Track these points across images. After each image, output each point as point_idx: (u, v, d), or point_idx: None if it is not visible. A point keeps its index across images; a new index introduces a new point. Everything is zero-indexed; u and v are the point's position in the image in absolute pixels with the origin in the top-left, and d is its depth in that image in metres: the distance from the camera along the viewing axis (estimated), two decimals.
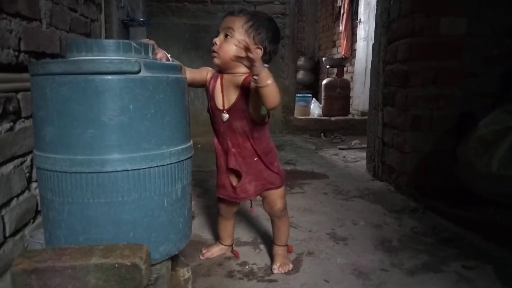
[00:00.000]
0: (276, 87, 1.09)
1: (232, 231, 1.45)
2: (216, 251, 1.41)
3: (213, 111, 1.25)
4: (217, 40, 1.18)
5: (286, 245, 1.37)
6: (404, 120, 2.14)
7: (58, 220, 0.82)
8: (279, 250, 1.34)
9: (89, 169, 0.79)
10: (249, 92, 1.17)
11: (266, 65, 1.10)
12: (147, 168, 0.83)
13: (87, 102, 0.78)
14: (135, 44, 0.87)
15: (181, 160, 0.91)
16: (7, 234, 1.21)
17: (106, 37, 2.47)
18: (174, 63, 0.94)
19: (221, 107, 1.22)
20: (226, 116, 1.20)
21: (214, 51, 1.18)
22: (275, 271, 1.29)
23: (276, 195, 1.30)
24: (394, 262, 1.38)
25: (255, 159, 1.24)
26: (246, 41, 1.06)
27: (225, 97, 1.21)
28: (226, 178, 1.26)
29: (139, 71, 0.81)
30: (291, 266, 1.32)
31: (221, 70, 1.23)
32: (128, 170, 0.81)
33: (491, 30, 2.24)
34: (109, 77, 0.78)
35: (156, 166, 0.85)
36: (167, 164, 0.87)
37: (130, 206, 0.83)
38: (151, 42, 0.95)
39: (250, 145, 1.22)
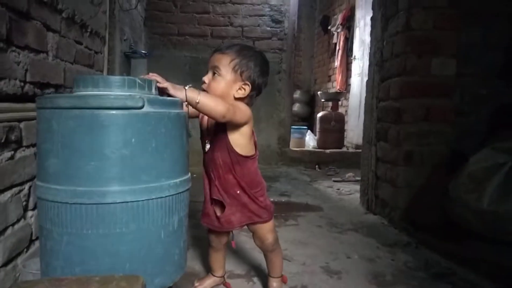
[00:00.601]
0: (209, 97, 1.06)
1: (224, 262, 1.45)
2: (208, 283, 1.41)
3: (201, 141, 1.26)
4: (206, 79, 1.19)
5: (281, 276, 1.37)
6: (397, 155, 2.19)
7: (56, 250, 0.84)
8: (273, 282, 1.35)
9: (89, 200, 0.81)
10: (225, 124, 1.16)
11: (188, 86, 1.05)
12: (146, 200, 0.86)
13: (92, 136, 0.81)
14: (139, 81, 0.92)
15: (179, 192, 0.93)
16: (0, 264, 1.21)
17: (109, 69, 2.54)
18: (175, 99, 0.98)
19: (205, 137, 1.24)
20: (207, 146, 1.22)
21: (204, 90, 1.18)
22: None
23: (265, 229, 1.28)
24: None
25: (238, 192, 1.22)
26: (154, 76, 1.01)
27: (209, 128, 1.22)
28: (211, 208, 1.26)
29: (142, 107, 0.85)
30: None
31: None
32: (127, 202, 0.83)
33: (481, 71, 2.34)
34: (114, 112, 0.82)
35: (155, 198, 0.87)
36: (166, 196, 0.89)
37: (128, 237, 0.84)
38: (154, 77, 0.99)
39: (232, 177, 1.21)
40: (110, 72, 2.60)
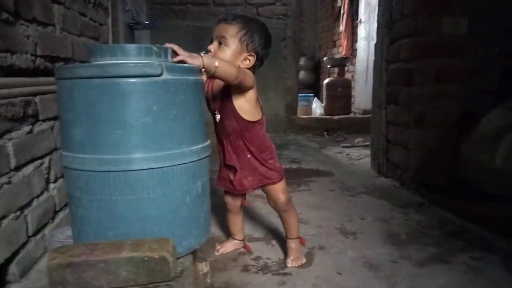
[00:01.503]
0: (224, 62, 1.09)
1: (242, 225, 1.49)
2: (229, 246, 1.46)
3: (211, 113, 1.29)
4: (212, 48, 1.20)
5: (299, 237, 1.41)
6: (408, 117, 2.18)
7: (87, 217, 0.87)
8: (292, 243, 1.38)
9: (116, 167, 0.83)
10: (231, 92, 1.21)
11: (202, 53, 1.08)
12: (170, 166, 0.87)
13: (114, 104, 0.82)
14: (155, 48, 0.91)
15: (201, 158, 0.95)
16: (30, 234, 1.25)
17: (114, 41, 2.51)
18: (192, 66, 0.97)
19: (213, 109, 1.27)
20: (218, 116, 1.26)
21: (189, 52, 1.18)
22: (289, 265, 1.33)
23: (277, 190, 1.32)
24: (403, 255, 1.42)
25: (248, 156, 1.27)
26: (171, 45, 0.99)
27: (216, 99, 1.26)
28: (226, 172, 1.32)
29: (161, 74, 0.85)
30: (304, 260, 1.36)
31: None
32: (153, 168, 0.85)
33: (493, 29, 2.28)
34: (134, 80, 0.82)
35: (179, 164, 0.89)
36: (189, 162, 0.91)
37: (155, 202, 0.87)
38: (171, 45, 0.98)
39: (242, 142, 1.26)
40: (115, 43, 2.58)
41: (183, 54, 0.99)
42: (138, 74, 0.83)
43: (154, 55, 0.91)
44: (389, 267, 1.33)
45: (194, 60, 1.00)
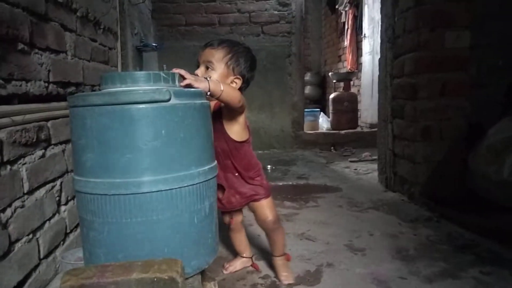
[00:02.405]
0: (228, 87, 1.17)
1: (247, 242, 1.51)
2: (238, 264, 1.47)
3: None
4: (199, 72, 1.25)
5: (284, 254, 1.42)
6: (414, 131, 2.19)
7: (99, 240, 0.89)
8: (278, 261, 1.40)
9: (126, 191, 0.86)
10: (221, 114, 1.26)
11: (208, 77, 1.15)
12: (178, 188, 0.90)
13: (124, 130, 0.85)
14: (163, 74, 0.95)
15: (208, 179, 0.97)
16: (42, 256, 1.28)
17: (123, 64, 2.58)
18: (199, 89, 1.01)
19: None
20: None
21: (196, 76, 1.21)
22: (285, 282, 1.35)
23: (264, 207, 1.34)
24: (412, 270, 1.42)
25: (236, 174, 1.32)
26: (178, 70, 1.02)
27: None
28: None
29: (169, 99, 0.88)
30: (293, 275, 1.39)
31: None
32: (161, 191, 0.88)
33: (497, 41, 2.30)
34: (143, 106, 0.86)
35: (187, 186, 0.91)
36: (196, 183, 0.93)
37: (164, 224, 0.89)
38: (178, 71, 1.02)
39: (230, 162, 1.30)
40: (124, 66, 2.64)
41: (190, 78, 1.03)
42: (147, 100, 0.87)
43: (162, 80, 0.95)
44: (398, 283, 1.33)
45: (201, 83, 1.04)
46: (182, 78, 1.02)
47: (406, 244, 1.66)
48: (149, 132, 0.86)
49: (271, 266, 1.44)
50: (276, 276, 1.39)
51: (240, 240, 1.48)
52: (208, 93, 1.06)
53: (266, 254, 1.56)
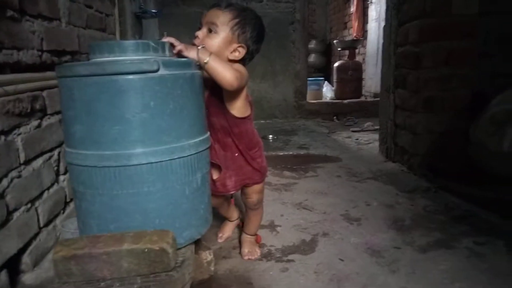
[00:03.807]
0: (218, 62, 1.03)
1: (233, 207, 1.52)
2: (228, 228, 1.51)
3: None
4: (200, 34, 1.13)
5: (255, 235, 1.41)
6: (416, 101, 2.15)
7: (91, 211, 0.90)
8: (247, 238, 1.39)
9: (116, 163, 0.86)
10: (220, 88, 1.10)
11: (201, 46, 1.05)
12: (169, 160, 0.89)
13: (112, 101, 0.84)
14: (153, 44, 0.92)
15: (200, 151, 0.97)
16: (41, 225, 1.30)
17: (121, 31, 2.53)
18: (189, 60, 0.99)
19: None
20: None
21: (194, 45, 1.10)
22: (245, 257, 1.34)
23: (253, 190, 1.31)
24: (406, 240, 1.43)
25: (236, 154, 1.23)
26: (168, 39, 0.99)
27: (204, 92, 1.16)
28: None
29: (157, 70, 0.86)
30: (258, 253, 1.36)
31: None
32: (152, 163, 0.87)
33: (507, 8, 2.21)
34: (131, 76, 0.84)
35: (177, 158, 0.91)
36: (187, 156, 0.93)
37: (155, 195, 0.89)
38: (168, 39, 1.00)
39: (231, 140, 1.21)
40: (123, 34, 2.59)
41: (180, 45, 1.00)
42: (135, 70, 0.85)
43: (152, 50, 0.93)
44: (392, 253, 1.35)
45: (189, 52, 1.00)
46: (173, 46, 1.00)
47: (402, 215, 1.67)
48: (137, 103, 0.85)
49: (289, 235, 1.46)
50: (240, 251, 1.38)
51: (226, 209, 1.48)
52: (197, 62, 1.00)
53: (282, 221, 1.60)
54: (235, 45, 1.14)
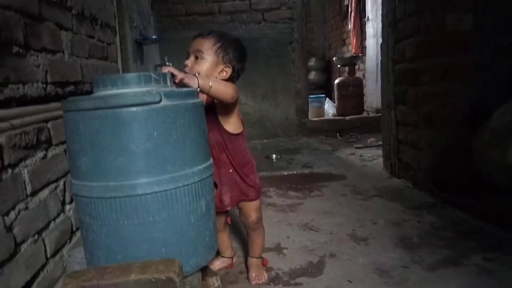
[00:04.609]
0: (218, 82, 1.15)
1: (229, 242, 1.50)
2: (217, 264, 1.46)
3: None
4: (188, 62, 1.24)
5: (261, 257, 1.41)
6: (417, 117, 2.17)
7: (97, 242, 0.91)
8: (253, 261, 1.39)
9: (121, 193, 0.87)
10: (215, 105, 1.24)
11: (197, 73, 1.13)
12: (173, 188, 0.90)
13: (116, 133, 0.86)
14: (154, 75, 0.95)
15: (203, 178, 0.98)
16: (49, 255, 1.31)
17: (122, 58, 2.58)
18: (191, 89, 1.01)
19: None
20: None
21: (186, 73, 1.19)
22: (253, 282, 1.34)
23: (251, 207, 1.34)
24: (414, 259, 1.42)
25: (230, 170, 1.29)
26: (168, 69, 1.05)
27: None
28: None
29: (160, 101, 0.88)
30: (266, 276, 1.36)
31: None
32: (156, 192, 0.88)
33: (501, 21, 2.24)
34: (134, 108, 0.86)
35: (182, 186, 0.92)
36: (191, 183, 0.94)
37: (161, 224, 0.90)
38: (169, 69, 1.02)
39: (225, 156, 1.28)
40: (124, 61, 2.64)
41: (180, 75, 1.04)
42: (138, 102, 0.87)
43: (154, 81, 0.95)
44: (400, 272, 1.33)
45: (190, 80, 1.05)
46: (173, 76, 1.02)
47: (409, 232, 1.66)
48: (141, 134, 0.87)
49: (296, 258, 1.44)
50: (247, 276, 1.38)
51: (222, 240, 1.45)
52: (198, 90, 1.06)
53: (289, 244, 1.59)
54: (221, 66, 1.25)
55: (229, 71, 1.25)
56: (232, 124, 1.27)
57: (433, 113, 2.12)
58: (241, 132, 1.30)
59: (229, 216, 1.45)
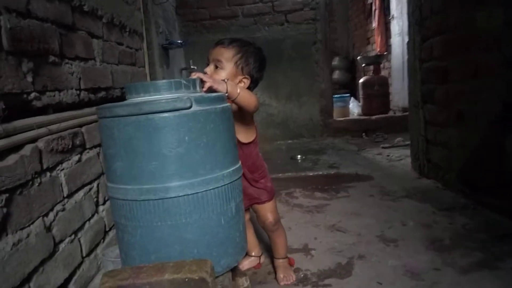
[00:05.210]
0: (246, 91, 1.17)
1: (255, 240, 1.52)
2: (246, 264, 1.48)
3: None
4: (208, 70, 1.25)
5: (287, 257, 1.42)
6: (447, 116, 2.12)
7: (132, 242, 0.94)
8: (279, 263, 1.40)
9: (155, 196, 0.90)
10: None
11: (226, 79, 1.16)
12: (204, 191, 0.93)
13: (149, 138, 0.89)
14: (184, 82, 0.97)
15: (233, 181, 0.99)
16: (84, 254, 1.36)
17: (149, 63, 2.64)
18: (219, 94, 1.03)
19: None
20: None
21: (215, 79, 1.20)
22: (281, 283, 1.35)
23: (266, 209, 1.35)
24: (446, 261, 1.39)
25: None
26: (198, 74, 1.06)
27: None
28: None
29: (191, 106, 0.90)
30: (294, 277, 1.36)
31: None
32: (188, 195, 0.91)
33: None
34: (166, 114, 0.89)
35: (212, 189, 0.94)
36: (221, 186, 0.96)
37: (192, 226, 0.92)
38: (198, 75, 1.05)
39: None
40: (151, 66, 2.71)
41: (209, 81, 1.06)
42: (170, 109, 0.89)
43: (184, 87, 0.97)
44: (432, 275, 1.31)
45: (219, 85, 1.07)
46: (202, 82, 1.05)
47: (440, 234, 1.62)
48: (173, 139, 0.89)
49: (324, 259, 1.44)
50: (275, 276, 1.39)
51: (247, 238, 1.47)
52: (227, 94, 1.08)
53: (316, 245, 1.59)
54: (240, 77, 1.25)
55: (247, 82, 1.26)
56: (244, 133, 1.28)
57: (464, 112, 2.06)
58: (253, 141, 1.31)
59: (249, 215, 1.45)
